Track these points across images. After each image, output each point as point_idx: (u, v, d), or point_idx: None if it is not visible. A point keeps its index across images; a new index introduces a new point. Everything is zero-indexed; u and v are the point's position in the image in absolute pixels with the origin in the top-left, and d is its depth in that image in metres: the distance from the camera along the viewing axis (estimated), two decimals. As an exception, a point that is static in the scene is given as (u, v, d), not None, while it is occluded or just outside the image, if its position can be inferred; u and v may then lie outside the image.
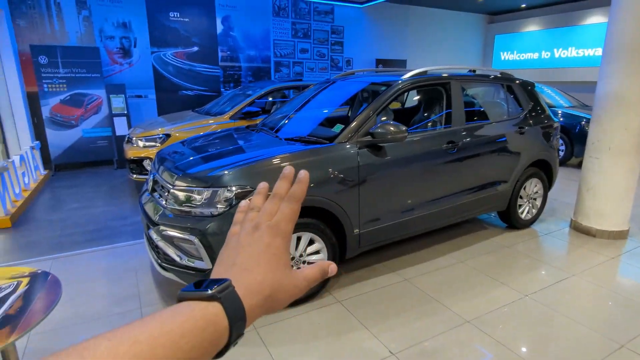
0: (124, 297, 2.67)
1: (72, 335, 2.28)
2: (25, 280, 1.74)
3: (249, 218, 0.47)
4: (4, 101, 5.83)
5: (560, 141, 6.68)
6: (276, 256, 0.43)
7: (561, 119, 6.67)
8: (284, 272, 0.43)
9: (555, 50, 10.22)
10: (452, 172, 3.13)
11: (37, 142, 5.88)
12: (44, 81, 5.92)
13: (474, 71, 3.59)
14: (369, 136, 2.66)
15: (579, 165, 6.68)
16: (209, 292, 0.37)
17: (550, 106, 6.89)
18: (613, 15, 3.35)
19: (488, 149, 3.33)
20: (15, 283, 1.72)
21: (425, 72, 3.17)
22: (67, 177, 5.91)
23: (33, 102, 6.17)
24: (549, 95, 7.23)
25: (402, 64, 9.85)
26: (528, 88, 3.83)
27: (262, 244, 0.44)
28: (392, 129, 2.61)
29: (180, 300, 0.38)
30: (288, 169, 0.48)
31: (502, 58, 11.44)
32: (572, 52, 9.90)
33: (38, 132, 6.29)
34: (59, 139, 6.13)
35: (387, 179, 2.77)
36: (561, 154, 6.71)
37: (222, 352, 0.38)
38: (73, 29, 6.44)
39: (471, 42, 11.41)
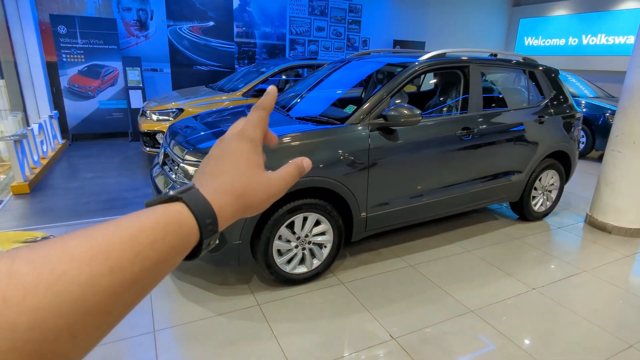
0: (133, 267, 2.73)
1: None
2: (37, 246, 1.79)
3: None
4: (24, 70, 5.91)
5: (582, 133, 6.45)
6: (243, 157, 0.44)
7: (584, 110, 6.43)
8: (255, 172, 0.43)
9: (583, 36, 9.76)
10: (464, 159, 3.06)
11: (56, 111, 5.97)
12: (62, 51, 5.95)
13: (495, 55, 3.45)
14: (382, 119, 2.60)
15: (599, 159, 6.47)
16: (170, 193, 0.37)
17: (573, 96, 6.63)
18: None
19: (504, 138, 3.23)
20: (27, 248, 1.77)
21: (443, 54, 3.06)
22: (83, 147, 6.01)
23: (52, 72, 6.23)
24: (573, 84, 6.95)
25: (420, 45, 9.55)
26: (552, 75, 3.67)
27: (229, 150, 0.44)
28: (405, 112, 2.54)
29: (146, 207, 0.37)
30: (271, 88, 0.49)
31: (526, 43, 10.99)
32: (601, 40, 9.43)
33: (57, 101, 6.37)
34: (76, 110, 6.21)
35: (397, 164, 2.72)
36: (581, 146, 6.49)
37: (196, 252, 0.38)
38: (91, -1, 6.41)
39: (494, 26, 10.96)
